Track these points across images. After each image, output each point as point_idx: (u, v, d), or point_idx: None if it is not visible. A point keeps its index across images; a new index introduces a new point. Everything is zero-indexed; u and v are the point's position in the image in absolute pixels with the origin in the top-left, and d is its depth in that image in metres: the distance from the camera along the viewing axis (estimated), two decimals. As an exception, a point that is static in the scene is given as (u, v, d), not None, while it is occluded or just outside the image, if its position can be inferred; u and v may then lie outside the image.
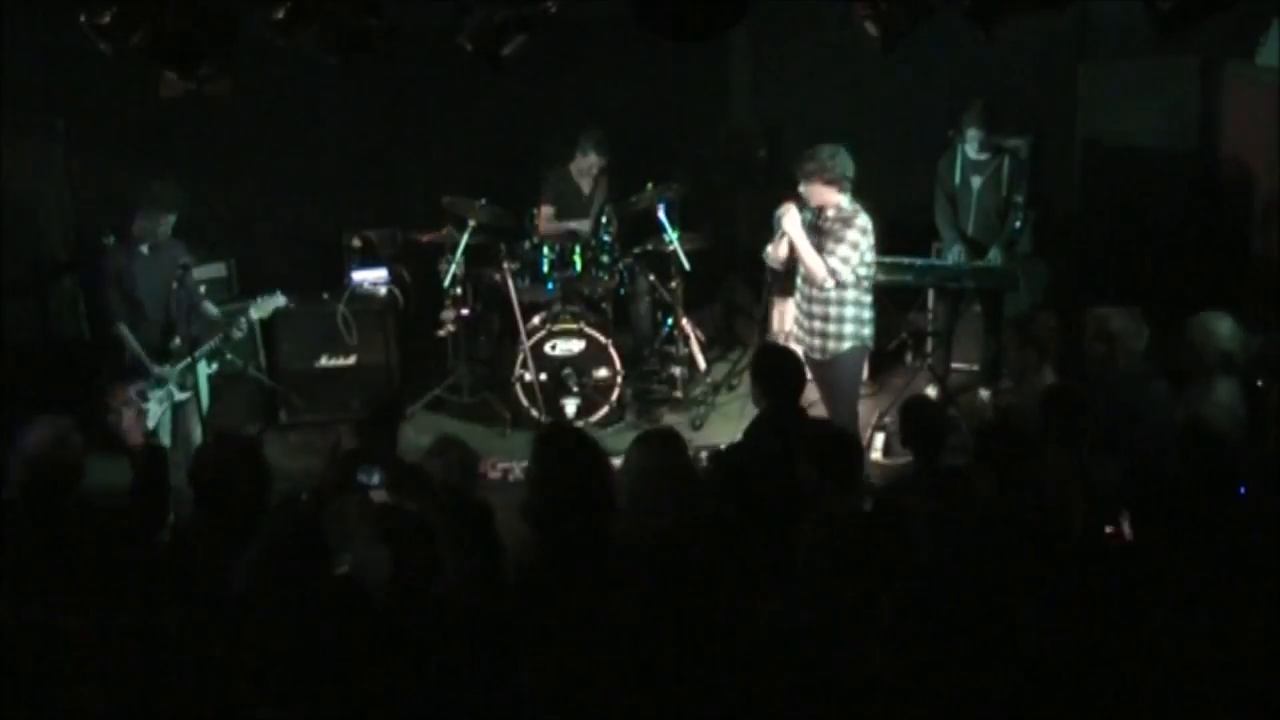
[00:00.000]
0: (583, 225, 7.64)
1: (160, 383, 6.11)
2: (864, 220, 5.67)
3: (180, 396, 6.16)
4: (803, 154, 5.80)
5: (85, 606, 3.47)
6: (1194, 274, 6.92)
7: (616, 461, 6.10)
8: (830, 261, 5.63)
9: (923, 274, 7.08)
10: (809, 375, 5.40)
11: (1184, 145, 7.36)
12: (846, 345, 5.78)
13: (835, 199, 5.71)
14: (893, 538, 3.37)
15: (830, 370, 5.83)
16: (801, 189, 5.75)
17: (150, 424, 5.99)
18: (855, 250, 5.63)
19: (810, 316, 5.84)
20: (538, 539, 3.70)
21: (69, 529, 3.91)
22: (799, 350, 5.75)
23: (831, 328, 5.77)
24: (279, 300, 6.39)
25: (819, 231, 5.74)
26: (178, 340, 6.19)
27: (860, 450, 4.75)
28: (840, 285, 5.68)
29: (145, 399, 6.05)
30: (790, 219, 5.67)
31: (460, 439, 4.50)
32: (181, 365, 6.11)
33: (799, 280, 5.91)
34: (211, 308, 6.35)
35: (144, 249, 6.11)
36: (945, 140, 7.21)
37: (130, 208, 6.12)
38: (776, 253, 5.86)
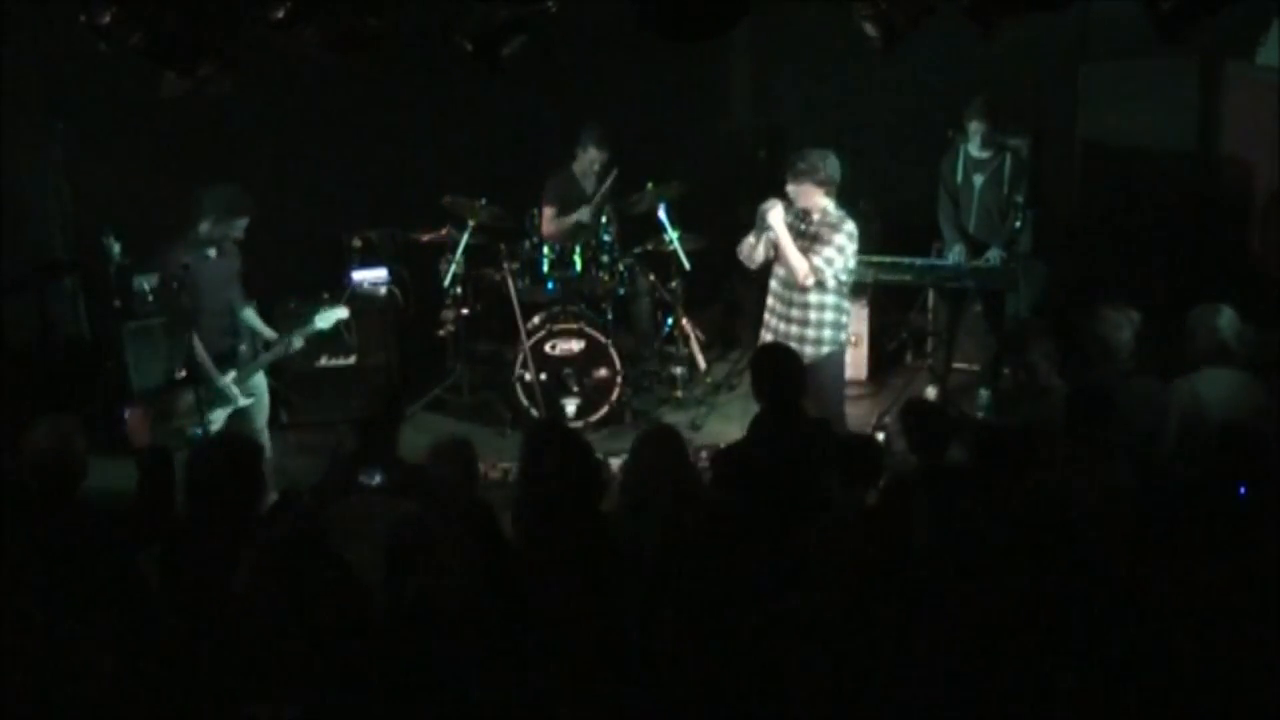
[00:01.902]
0: (583, 213, 7.61)
1: (223, 398, 5.99)
2: (851, 227, 5.71)
3: (244, 402, 6.06)
4: (794, 155, 5.84)
5: (85, 606, 3.47)
6: (1194, 273, 6.92)
7: (615, 462, 6.08)
8: (814, 260, 5.64)
9: (923, 274, 7.08)
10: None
11: (1184, 145, 7.36)
12: (826, 349, 5.79)
13: (822, 202, 5.75)
14: (899, 537, 3.38)
15: (815, 374, 5.72)
16: (790, 189, 5.78)
17: (212, 428, 5.88)
18: (840, 254, 5.66)
19: (789, 320, 5.83)
20: (529, 537, 3.70)
21: (71, 529, 3.91)
22: None
23: (810, 332, 5.76)
24: (342, 312, 6.35)
25: (803, 234, 5.76)
26: (243, 346, 6.09)
27: (880, 451, 4.80)
28: (820, 288, 5.69)
29: (212, 408, 5.90)
30: (776, 214, 5.69)
31: (465, 438, 4.48)
32: (247, 372, 6.03)
33: (776, 283, 5.92)
34: (253, 316, 6.25)
35: (211, 253, 5.93)
36: (946, 140, 7.21)
37: (183, 213, 5.93)
38: (754, 252, 5.88)
